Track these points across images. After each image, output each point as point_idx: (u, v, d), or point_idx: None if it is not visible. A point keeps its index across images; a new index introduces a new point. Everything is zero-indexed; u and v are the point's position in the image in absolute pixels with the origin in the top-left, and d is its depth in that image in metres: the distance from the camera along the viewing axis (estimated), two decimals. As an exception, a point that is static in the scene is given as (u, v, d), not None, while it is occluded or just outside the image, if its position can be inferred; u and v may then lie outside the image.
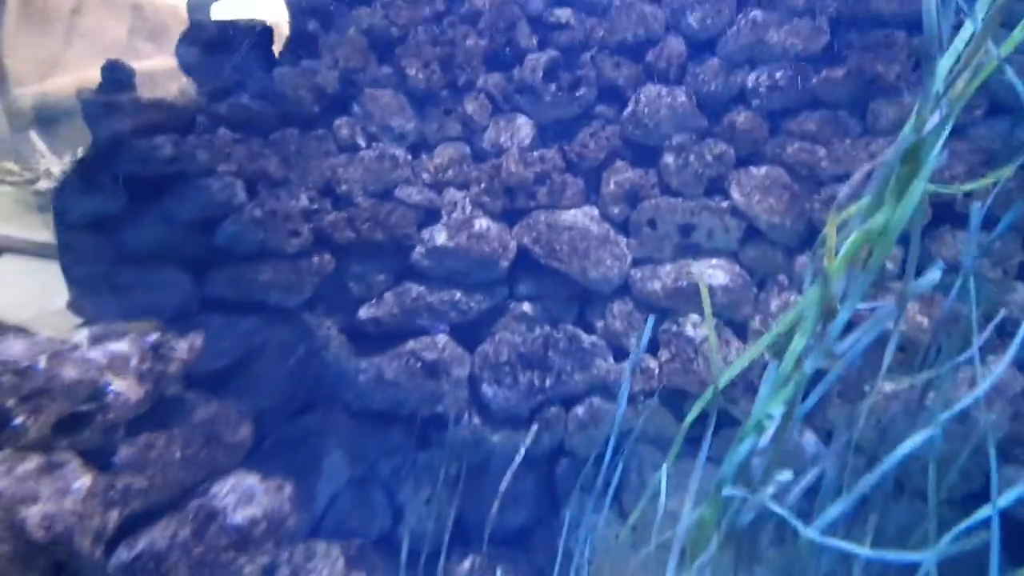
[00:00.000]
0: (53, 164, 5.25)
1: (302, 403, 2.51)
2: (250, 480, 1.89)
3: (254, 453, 2.13)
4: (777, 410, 1.14)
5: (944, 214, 2.49)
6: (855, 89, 2.68)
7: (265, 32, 2.65)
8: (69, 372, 1.53)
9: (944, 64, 0.94)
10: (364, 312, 2.90)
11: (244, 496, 1.80)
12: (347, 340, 2.75)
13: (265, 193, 2.47)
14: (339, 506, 2.60)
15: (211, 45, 2.40)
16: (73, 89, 2.30)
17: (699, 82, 2.89)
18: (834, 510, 1.20)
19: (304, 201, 2.59)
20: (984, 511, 1.23)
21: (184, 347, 1.84)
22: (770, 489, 1.12)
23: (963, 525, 1.25)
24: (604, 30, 2.97)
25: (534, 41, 3.04)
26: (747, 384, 2.77)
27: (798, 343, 1.11)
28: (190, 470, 1.83)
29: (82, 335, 1.66)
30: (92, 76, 2.33)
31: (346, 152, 2.89)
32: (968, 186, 1.87)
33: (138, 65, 2.40)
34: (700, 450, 1.88)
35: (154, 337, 1.75)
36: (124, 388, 1.59)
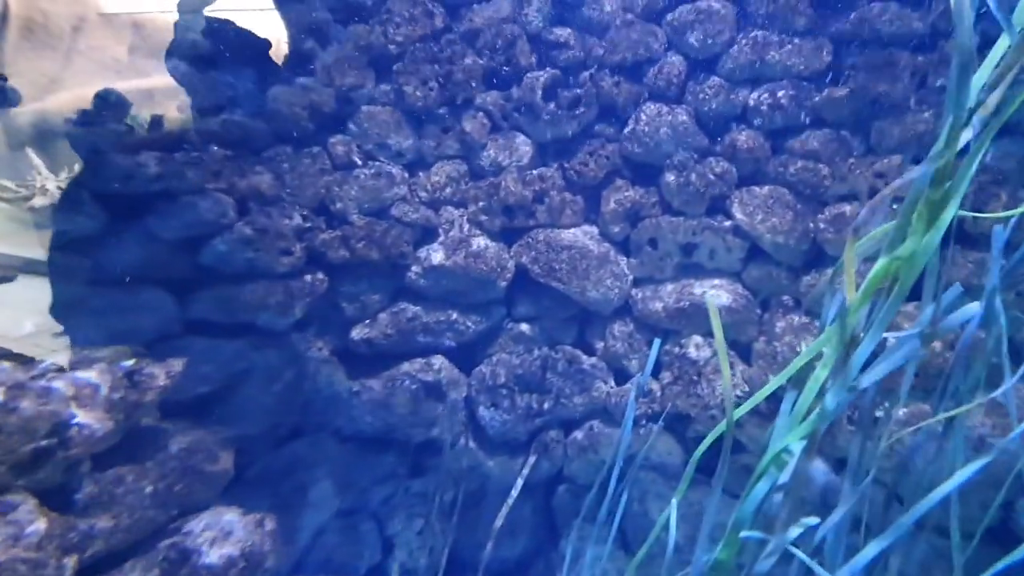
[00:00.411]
0: (49, 181, 5.21)
1: (289, 429, 2.41)
2: (229, 515, 1.78)
3: (236, 485, 2.02)
4: (797, 445, 1.06)
5: (955, 234, 2.43)
6: (858, 108, 2.64)
7: (259, 48, 2.62)
8: (28, 405, 1.43)
9: (978, 77, 0.88)
10: (357, 333, 2.82)
11: (221, 533, 1.69)
12: (339, 362, 2.67)
13: (256, 211, 2.41)
14: (326, 539, 2.48)
15: (202, 61, 2.37)
16: (72, 107, 2.26)
17: (699, 101, 2.86)
18: (868, 552, 1.10)
19: (297, 219, 2.53)
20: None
21: (162, 374, 1.74)
22: (791, 532, 1.03)
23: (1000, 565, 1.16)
24: (604, 49, 2.95)
25: (533, 60, 3.02)
26: (753, 409, 2.68)
27: (820, 375, 1.03)
28: (163, 506, 1.72)
29: (49, 362, 1.57)
30: (91, 94, 2.30)
31: (341, 170, 2.84)
32: (1003, 213, 1.81)
33: (137, 83, 2.37)
34: (708, 479, 1.78)
35: (129, 363, 1.67)
36: (91, 420, 1.49)
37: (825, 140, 2.74)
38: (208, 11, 2.48)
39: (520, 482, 2.26)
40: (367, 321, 2.86)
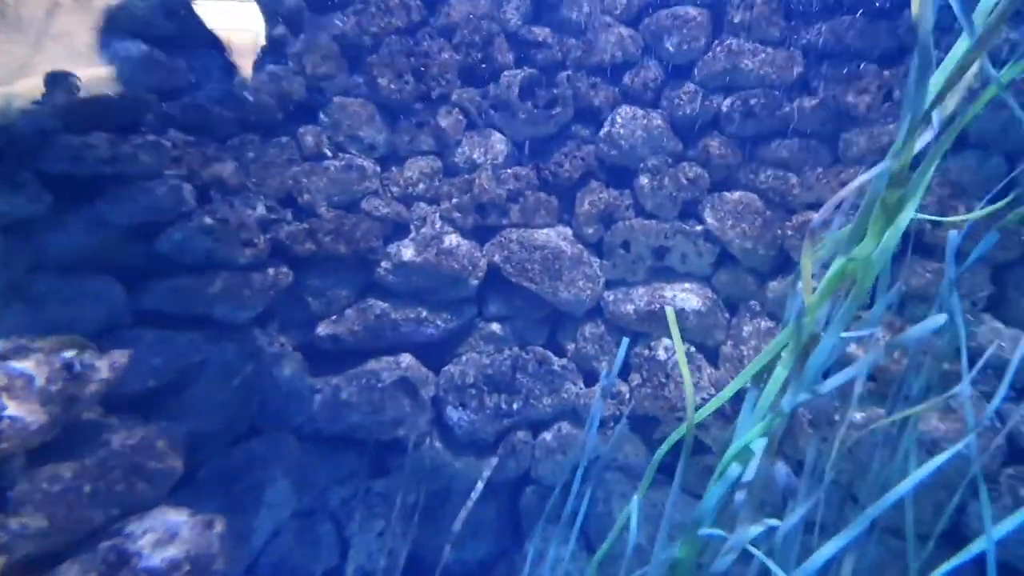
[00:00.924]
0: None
1: (246, 426, 2.32)
2: (175, 516, 1.69)
3: (185, 484, 1.93)
4: (758, 444, 1.05)
5: (911, 243, 2.50)
6: (827, 119, 2.70)
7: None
8: (-50, 397, 1.33)
9: (936, 80, 0.89)
10: (323, 329, 2.75)
11: (166, 535, 1.60)
12: (302, 358, 2.58)
13: (218, 200, 2.31)
14: (281, 541, 2.39)
15: (162, 42, 2.27)
16: (41, 92, 2.14)
17: (675, 106, 2.88)
18: (824, 552, 1.10)
19: (261, 210, 2.44)
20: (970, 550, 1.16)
21: (105, 366, 1.64)
22: (750, 530, 1.02)
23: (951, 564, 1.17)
24: (582, 51, 2.95)
25: (511, 58, 3.00)
26: (718, 411, 2.70)
27: (779, 375, 1.03)
28: (103, 506, 1.61)
29: (-20, 351, 1.46)
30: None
31: (310, 161, 2.76)
32: (960, 217, 1.85)
33: (110, 70, 2.25)
34: (672, 480, 1.77)
35: (70, 354, 1.56)
36: (23, 413, 1.39)
37: (795, 149, 2.79)
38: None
39: (481, 485, 2.22)
40: (333, 317, 2.79)
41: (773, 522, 1.08)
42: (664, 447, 1.37)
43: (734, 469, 1.09)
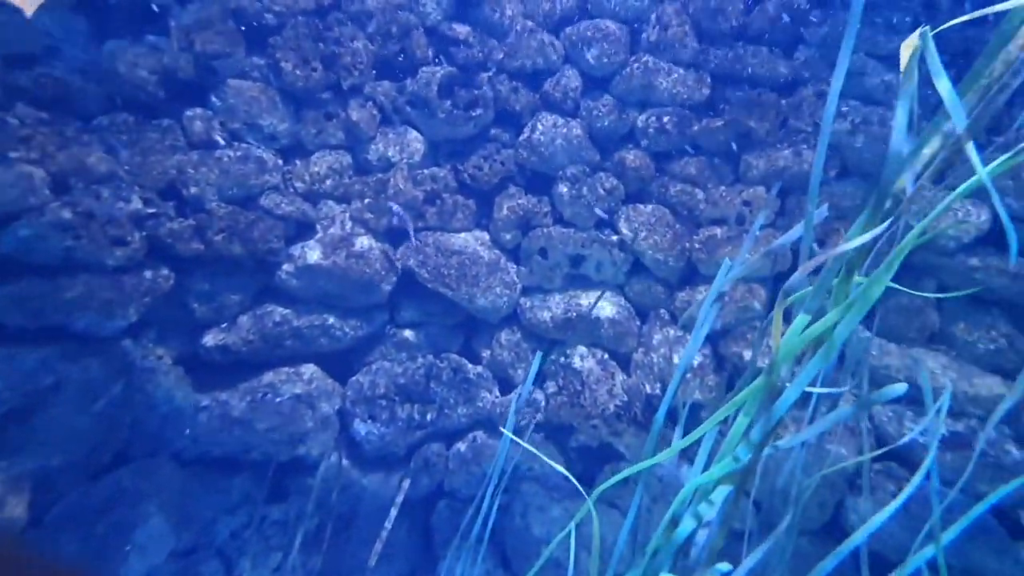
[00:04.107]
0: None
1: (112, 455, 1.98)
2: None
3: (33, 528, 1.60)
4: (720, 494, 1.04)
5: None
6: (730, 139, 2.86)
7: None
8: None
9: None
10: (211, 339, 2.44)
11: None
12: (184, 373, 2.27)
13: (80, 190, 1.96)
14: (156, 586, 2.08)
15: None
16: None
17: (593, 117, 2.91)
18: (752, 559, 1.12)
19: (136, 203, 2.11)
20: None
21: None
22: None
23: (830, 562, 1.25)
24: (503, 53, 2.89)
25: (430, 53, 2.87)
26: (631, 417, 2.77)
27: (741, 424, 1.02)
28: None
29: None
30: None
31: (199, 149, 2.44)
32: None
33: None
34: (588, 490, 1.75)
35: None
36: None
37: (701, 166, 2.93)
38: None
39: (394, 512, 2.09)
40: (224, 325, 2.50)
41: (726, 566, 1.07)
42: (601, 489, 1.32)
43: (688, 521, 1.07)
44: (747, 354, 2.66)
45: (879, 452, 1.70)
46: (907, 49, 1.00)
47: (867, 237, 0.91)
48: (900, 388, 0.92)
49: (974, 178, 0.85)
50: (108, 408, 1.92)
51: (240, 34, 2.53)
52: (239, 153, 2.51)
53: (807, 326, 0.98)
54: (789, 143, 2.77)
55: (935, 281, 2.61)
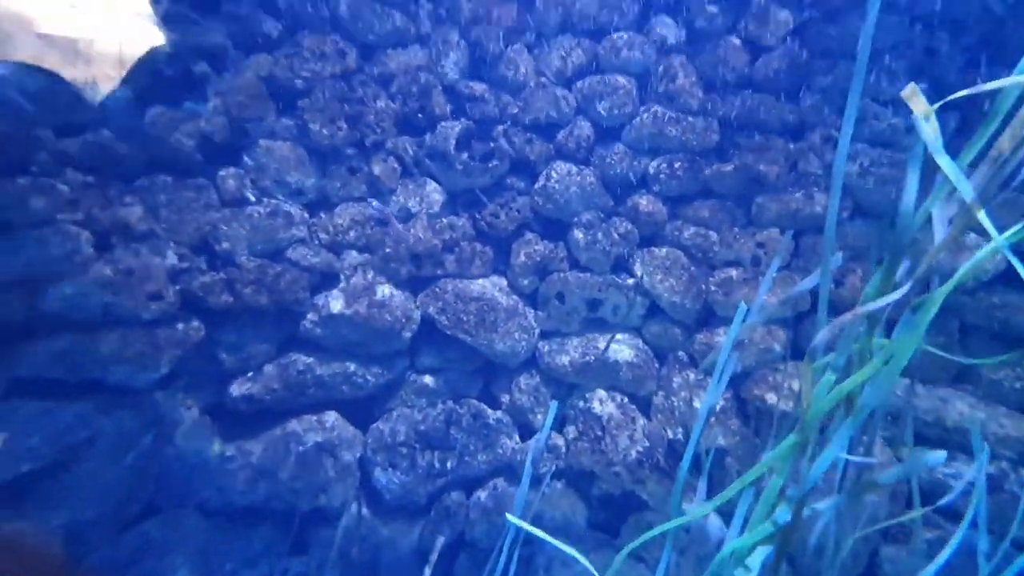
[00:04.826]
0: None
1: (142, 507, 2.01)
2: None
3: (63, 583, 1.62)
4: (756, 561, 1.04)
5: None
6: (741, 184, 2.92)
7: (138, 65, 2.32)
8: None
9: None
10: (237, 388, 2.50)
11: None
12: (211, 423, 2.32)
13: (121, 248, 2.07)
14: (180, 641, 2.06)
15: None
16: None
17: (606, 164, 3.01)
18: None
19: (172, 259, 2.22)
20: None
21: None
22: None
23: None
24: (518, 107, 3.03)
25: (448, 110, 3.01)
26: (654, 464, 2.73)
27: (775, 484, 1.03)
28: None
29: None
30: None
31: (231, 206, 2.57)
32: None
33: None
34: (611, 540, 1.72)
35: None
36: None
37: (714, 210, 2.99)
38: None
39: (428, 572, 2.06)
40: (250, 374, 2.55)
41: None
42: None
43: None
44: (770, 397, 2.64)
45: (924, 510, 1.65)
46: (914, 100, 1.04)
47: (885, 303, 0.93)
48: (940, 456, 0.93)
49: (991, 245, 0.88)
50: (139, 460, 1.96)
51: (272, 99, 2.70)
52: (268, 209, 2.63)
53: (834, 384, 0.99)
54: (800, 186, 2.82)
55: (958, 320, 2.59)
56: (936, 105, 0.99)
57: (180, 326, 2.22)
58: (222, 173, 2.56)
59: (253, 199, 2.58)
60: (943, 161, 0.92)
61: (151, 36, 2.48)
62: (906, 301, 1.03)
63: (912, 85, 1.04)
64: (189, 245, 2.35)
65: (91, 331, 1.96)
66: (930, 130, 0.92)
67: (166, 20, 2.32)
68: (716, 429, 2.67)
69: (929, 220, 0.96)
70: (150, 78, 2.44)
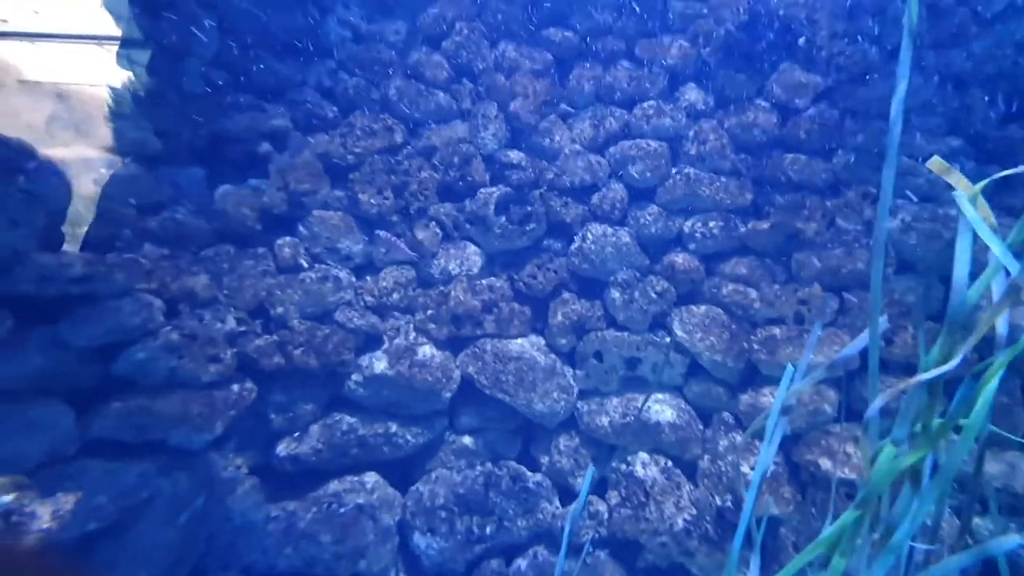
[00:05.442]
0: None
1: (190, 569, 2.05)
2: None
3: (114, 647, 1.65)
4: None
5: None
6: (779, 241, 2.92)
7: (212, 148, 2.59)
8: None
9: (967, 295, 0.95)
10: (283, 448, 2.56)
11: None
12: (259, 483, 2.37)
13: (187, 315, 2.23)
14: None
15: (150, 158, 2.30)
16: None
17: (640, 224, 3.07)
18: None
19: (231, 323, 2.36)
20: None
21: (47, 513, 1.43)
22: None
23: None
24: (553, 173, 3.16)
25: (487, 177, 3.18)
26: (703, 534, 2.60)
27: (838, 564, 1.00)
28: None
29: None
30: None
31: (286, 273, 2.75)
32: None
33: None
34: None
35: (7, 499, 1.35)
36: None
37: (752, 266, 2.98)
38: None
39: None
40: (296, 435, 2.62)
41: None
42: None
43: None
44: (823, 463, 2.51)
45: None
46: (960, 188, 1.06)
47: (942, 372, 0.92)
48: (1015, 540, 0.88)
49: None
50: (191, 522, 2.02)
51: (325, 173, 2.93)
52: (319, 274, 2.79)
53: (895, 456, 0.97)
54: (840, 243, 2.80)
55: (1020, 379, 2.44)
56: (979, 186, 1.01)
57: (235, 387, 2.33)
58: (279, 242, 2.76)
59: (306, 265, 2.75)
60: (992, 242, 0.93)
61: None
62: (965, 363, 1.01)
63: (936, 158, 1.06)
64: (247, 309, 2.51)
65: (156, 394, 2.08)
66: (974, 212, 0.94)
67: (237, 108, 2.59)
68: (768, 497, 2.54)
69: (985, 288, 0.96)
70: (219, 156, 2.71)
